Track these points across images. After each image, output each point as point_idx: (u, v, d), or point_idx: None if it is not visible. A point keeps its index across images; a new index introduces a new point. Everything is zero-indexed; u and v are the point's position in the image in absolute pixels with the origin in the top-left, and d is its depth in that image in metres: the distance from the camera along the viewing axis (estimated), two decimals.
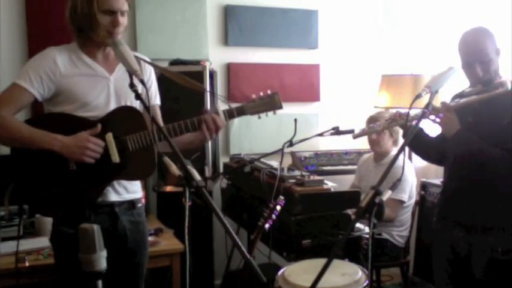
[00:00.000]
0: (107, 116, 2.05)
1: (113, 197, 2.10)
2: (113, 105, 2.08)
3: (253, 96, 2.13)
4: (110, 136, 2.00)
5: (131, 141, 2.02)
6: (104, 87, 2.08)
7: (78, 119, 2.03)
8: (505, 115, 2.12)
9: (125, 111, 2.08)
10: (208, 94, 3.39)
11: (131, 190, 2.16)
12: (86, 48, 2.08)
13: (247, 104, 2.12)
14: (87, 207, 2.04)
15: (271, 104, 2.12)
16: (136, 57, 2.13)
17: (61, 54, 2.05)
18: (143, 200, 2.34)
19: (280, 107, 2.13)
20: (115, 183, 2.09)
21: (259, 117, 2.14)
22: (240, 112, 2.11)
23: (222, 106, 2.26)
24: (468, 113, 2.18)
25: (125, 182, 2.12)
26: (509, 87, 2.04)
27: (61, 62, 2.03)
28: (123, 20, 2.04)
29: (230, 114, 2.11)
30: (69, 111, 2.04)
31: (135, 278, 2.22)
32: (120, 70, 2.10)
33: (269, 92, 2.13)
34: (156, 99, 2.27)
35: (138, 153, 2.03)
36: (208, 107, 3.35)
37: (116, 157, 2.00)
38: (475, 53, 2.15)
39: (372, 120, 3.52)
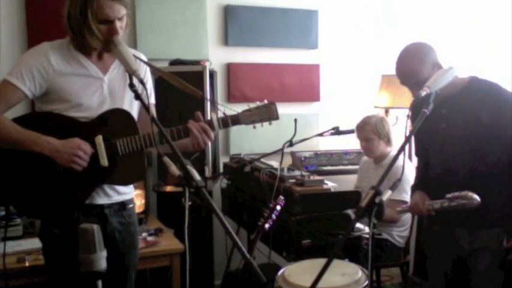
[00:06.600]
0: (98, 118, 1.99)
1: (101, 199, 2.05)
2: (106, 107, 2.01)
3: (250, 105, 2.05)
4: (99, 139, 1.94)
5: (121, 145, 1.95)
6: (97, 88, 2.01)
7: (69, 119, 1.96)
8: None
9: (117, 114, 2.01)
10: (207, 96, 3.37)
11: (122, 191, 2.11)
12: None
13: (242, 113, 2.04)
14: (75, 209, 1.99)
15: (267, 114, 2.04)
16: (133, 56, 2.11)
17: (55, 51, 1.97)
18: (144, 200, 2.33)
19: (277, 118, 2.05)
20: (105, 186, 2.03)
21: (255, 127, 2.06)
22: (235, 121, 2.03)
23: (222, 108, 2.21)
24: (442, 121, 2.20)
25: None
26: (477, 201, 2.05)
27: (54, 60, 1.95)
28: (122, 24, 1.95)
29: (224, 123, 2.02)
30: (60, 111, 1.97)
31: (123, 281, 2.17)
32: (114, 70, 2.06)
33: (266, 101, 2.06)
34: (151, 98, 2.19)
35: (127, 157, 1.96)
36: (209, 110, 3.33)
37: (104, 161, 1.93)
38: (407, 78, 2.21)
39: (358, 128, 3.51)
